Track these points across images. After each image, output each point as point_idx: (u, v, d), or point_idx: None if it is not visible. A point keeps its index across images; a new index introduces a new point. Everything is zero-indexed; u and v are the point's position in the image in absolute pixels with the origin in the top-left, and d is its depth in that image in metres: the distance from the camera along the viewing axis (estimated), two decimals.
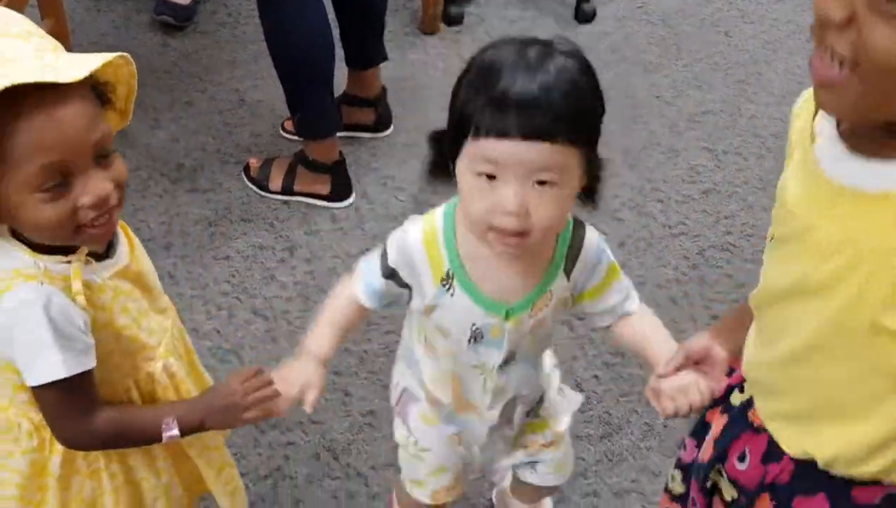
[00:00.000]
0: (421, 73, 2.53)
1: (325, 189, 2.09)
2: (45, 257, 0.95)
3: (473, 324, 1.07)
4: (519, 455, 1.29)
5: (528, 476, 1.33)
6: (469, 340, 1.09)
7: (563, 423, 1.27)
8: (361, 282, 1.13)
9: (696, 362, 1.02)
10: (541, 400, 1.24)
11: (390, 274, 1.09)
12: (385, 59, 2.22)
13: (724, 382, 1.01)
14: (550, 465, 1.30)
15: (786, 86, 2.49)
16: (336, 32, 2.02)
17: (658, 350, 1.08)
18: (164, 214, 2.06)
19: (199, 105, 2.40)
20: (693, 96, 2.45)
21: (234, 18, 2.71)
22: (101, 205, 0.91)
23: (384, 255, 1.10)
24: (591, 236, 1.09)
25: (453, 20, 2.70)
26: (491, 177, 0.93)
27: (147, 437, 1.04)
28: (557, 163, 0.93)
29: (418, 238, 1.06)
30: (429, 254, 1.06)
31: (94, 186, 0.90)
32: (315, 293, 1.92)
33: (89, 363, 0.98)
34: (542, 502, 1.50)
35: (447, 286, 1.05)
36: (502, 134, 0.91)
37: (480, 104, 0.92)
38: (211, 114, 2.37)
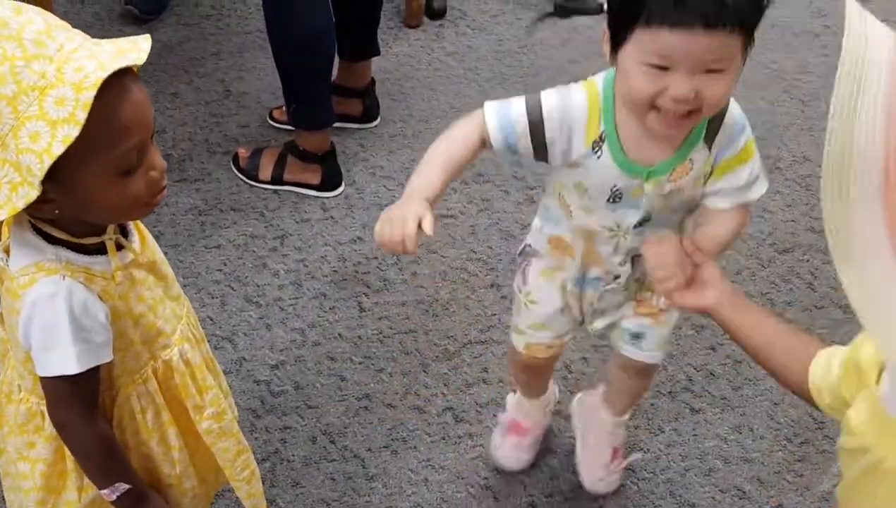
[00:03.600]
0: (405, 65, 2.56)
1: (315, 179, 2.11)
2: (66, 250, 0.95)
3: (614, 186, 1.12)
4: (629, 316, 1.31)
5: (634, 352, 1.35)
6: (608, 200, 1.14)
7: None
8: (496, 118, 1.11)
9: (693, 273, 1.03)
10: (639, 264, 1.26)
11: (537, 122, 1.10)
12: (378, 53, 2.25)
13: (684, 305, 1.04)
14: (654, 340, 1.34)
15: (759, 78, 2.54)
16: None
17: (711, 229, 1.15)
18: None
19: (185, 96, 2.41)
20: None
21: (218, 10, 2.72)
22: (164, 175, 0.96)
23: (537, 103, 1.10)
24: (734, 109, 1.12)
25: (436, 14, 2.74)
26: (661, 67, 0.96)
27: (116, 472, 1.04)
28: (729, 52, 0.96)
29: (583, 99, 1.10)
30: (589, 115, 1.09)
31: (157, 160, 0.95)
32: (307, 280, 1.94)
33: (105, 356, 0.99)
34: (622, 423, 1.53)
35: (596, 149, 1.10)
36: (681, 24, 0.93)
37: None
38: (197, 106, 2.38)
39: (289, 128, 2.21)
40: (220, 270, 1.96)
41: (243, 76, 2.49)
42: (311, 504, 1.56)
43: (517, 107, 1.12)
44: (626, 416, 1.56)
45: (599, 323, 1.35)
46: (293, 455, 1.63)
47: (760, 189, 1.17)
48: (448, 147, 1.14)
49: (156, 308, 1.05)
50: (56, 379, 0.97)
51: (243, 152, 2.18)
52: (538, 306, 1.32)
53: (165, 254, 1.97)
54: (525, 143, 1.13)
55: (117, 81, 0.86)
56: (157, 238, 1.97)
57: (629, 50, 1.00)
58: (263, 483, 1.54)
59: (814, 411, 1.72)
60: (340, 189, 2.14)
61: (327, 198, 2.13)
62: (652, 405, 1.73)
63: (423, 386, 1.75)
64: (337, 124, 2.25)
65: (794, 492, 1.61)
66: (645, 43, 0.97)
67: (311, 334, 1.83)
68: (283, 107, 2.22)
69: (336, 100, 2.23)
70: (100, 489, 1.04)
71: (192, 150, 2.24)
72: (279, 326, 1.85)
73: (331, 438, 1.66)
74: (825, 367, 0.92)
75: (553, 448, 1.65)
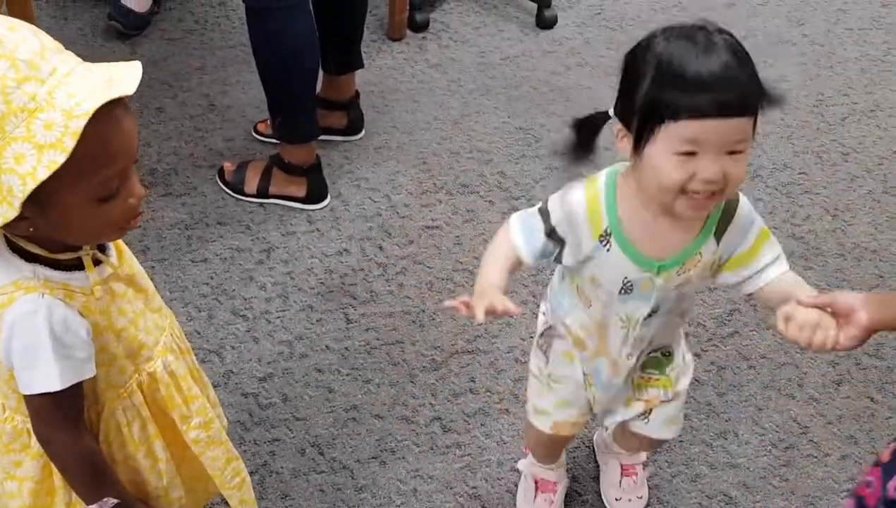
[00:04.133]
0: (389, 77, 2.58)
1: (300, 191, 2.12)
2: (43, 267, 0.96)
3: (625, 278, 1.18)
4: (637, 407, 1.37)
5: (641, 428, 1.40)
6: (620, 291, 1.19)
7: (683, 384, 1.37)
8: (521, 240, 1.20)
9: (836, 314, 1.05)
10: (671, 358, 1.33)
11: (550, 231, 1.19)
12: (361, 65, 2.27)
13: (852, 341, 1.03)
14: (663, 418, 1.38)
15: None
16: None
17: (802, 291, 1.15)
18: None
19: (169, 111, 2.41)
20: None
21: (202, 25, 2.73)
22: (141, 202, 0.97)
23: (546, 216, 1.19)
24: (744, 202, 1.18)
25: (419, 27, 2.76)
26: (690, 153, 1.04)
27: (103, 487, 1.05)
28: (746, 133, 1.05)
29: (581, 198, 1.17)
30: (590, 212, 1.17)
31: (137, 187, 0.96)
32: (294, 292, 1.95)
33: (88, 372, 1.00)
34: (639, 455, 1.57)
35: (604, 242, 1.17)
36: (702, 115, 1.02)
37: (675, 92, 1.02)
38: (182, 120, 2.39)
39: (274, 141, 2.22)
40: (207, 284, 1.96)
41: (227, 90, 2.49)
42: None
43: (534, 223, 1.20)
44: (644, 456, 1.59)
45: (609, 421, 1.43)
46: (282, 468, 1.63)
47: (784, 264, 1.21)
48: (501, 259, 1.22)
49: (137, 321, 1.05)
50: (39, 397, 0.98)
51: (229, 166, 2.19)
52: (562, 385, 1.36)
53: (152, 268, 1.99)
54: (550, 250, 1.21)
55: (107, 111, 0.87)
56: (143, 252, 2.00)
57: (659, 144, 1.06)
58: None
59: (798, 415, 1.75)
60: (326, 201, 2.15)
61: (313, 210, 2.14)
62: None
63: (410, 396, 1.76)
64: (322, 137, 2.27)
65: (780, 496, 1.62)
66: (674, 135, 1.04)
67: (298, 346, 1.84)
68: (268, 121, 2.23)
69: (321, 113, 2.25)
70: (87, 504, 1.05)
71: (178, 164, 2.25)
72: (266, 339, 1.85)
73: (319, 450, 1.66)
74: None
75: None
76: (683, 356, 1.37)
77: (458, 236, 2.11)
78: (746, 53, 1.06)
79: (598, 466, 1.65)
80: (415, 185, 2.23)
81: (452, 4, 2.89)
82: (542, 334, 1.36)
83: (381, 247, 2.06)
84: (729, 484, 1.64)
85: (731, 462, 1.67)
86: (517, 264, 1.21)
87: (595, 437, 1.66)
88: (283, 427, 1.70)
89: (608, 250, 1.17)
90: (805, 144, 2.44)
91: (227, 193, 2.17)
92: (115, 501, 1.03)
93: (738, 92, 1.03)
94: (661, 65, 1.04)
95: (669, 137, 1.04)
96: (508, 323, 1.90)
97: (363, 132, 2.36)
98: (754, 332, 1.91)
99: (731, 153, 1.05)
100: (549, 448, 1.51)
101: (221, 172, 2.19)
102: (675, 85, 1.02)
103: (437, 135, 2.39)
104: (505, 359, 1.84)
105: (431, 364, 1.82)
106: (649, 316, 1.22)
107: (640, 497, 1.58)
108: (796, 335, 1.06)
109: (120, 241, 1.08)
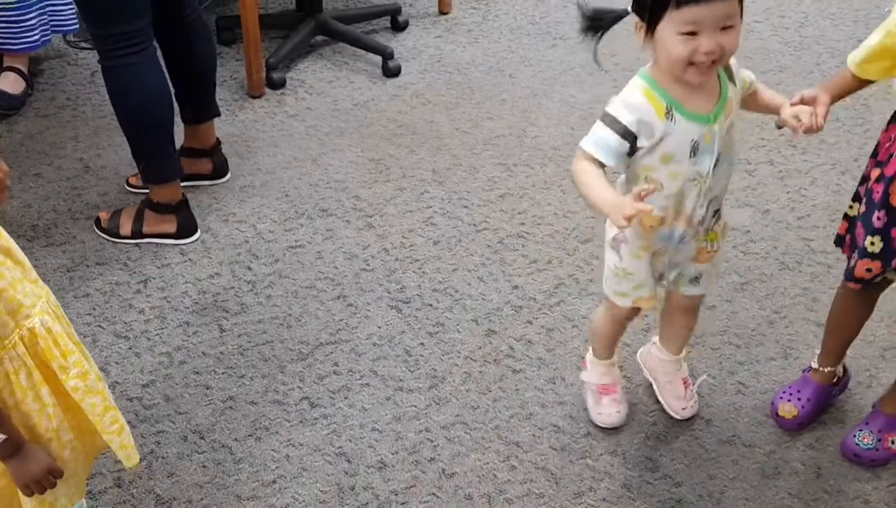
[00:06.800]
0: (251, 129, 2.85)
1: (172, 228, 2.35)
2: None
3: (693, 140, 1.49)
4: (691, 264, 1.71)
5: (693, 290, 1.76)
6: (690, 154, 1.51)
7: (722, 242, 1.71)
8: (604, 154, 1.48)
9: (807, 102, 1.55)
10: (718, 216, 1.66)
11: (623, 132, 1.47)
12: (218, 114, 2.53)
13: (823, 116, 1.53)
14: (709, 276, 1.75)
15: (561, 110, 2.95)
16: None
17: (777, 99, 1.61)
18: None
19: (47, 176, 2.62)
20: (486, 126, 2.87)
21: (73, 102, 2.96)
22: (7, 176, 1.21)
23: (615, 123, 1.47)
24: (731, 58, 1.52)
25: (276, 85, 3.05)
26: (691, 33, 1.36)
27: None
28: (734, 12, 1.37)
29: (639, 94, 1.48)
30: (650, 101, 1.47)
31: (1, 163, 1.19)
32: (171, 313, 2.16)
33: None
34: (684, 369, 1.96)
35: (670, 117, 1.48)
36: (695, 2, 1.34)
37: None
38: (59, 182, 2.60)
39: (145, 191, 2.45)
40: (90, 314, 2.16)
41: (101, 153, 2.72)
42: (186, 488, 1.76)
43: (602, 131, 1.49)
44: (683, 353, 1.92)
45: (671, 274, 1.73)
46: (167, 453, 1.83)
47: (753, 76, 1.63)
48: (596, 176, 1.49)
49: (16, 285, 1.25)
50: None
51: (104, 215, 2.41)
52: (633, 275, 1.68)
53: None
54: (623, 148, 1.49)
55: None
56: None
57: (665, 28, 1.39)
58: (140, 479, 1.75)
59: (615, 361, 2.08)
60: (197, 235, 2.39)
61: (185, 244, 2.37)
62: (480, 372, 2.01)
63: (280, 384, 1.99)
64: (190, 183, 2.51)
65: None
66: (677, 19, 1.37)
67: (177, 356, 2.05)
68: (138, 174, 2.46)
69: (187, 161, 2.50)
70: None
71: (57, 219, 2.45)
72: (147, 353, 2.06)
73: (200, 435, 1.87)
74: (858, 50, 1.57)
75: (401, 413, 1.91)
76: (723, 217, 1.70)
77: (319, 251, 2.36)
78: None
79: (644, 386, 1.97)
80: (278, 215, 2.49)
81: (307, 63, 3.20)
82: (613, 238, 1.66)
83: (249, 268, 2.30)
84: (558, 417, 1.91)
85: (559, 400, 1.95)
86: (604, 172, 1.49)
87: (640, 355, 1.99)
88: (167, 420, 1.89)
89: (674, 123, 1.48)
90: None
91: (104, 238, 2.38)
92: (4, 437, 1.23)
93: None
94: None
95: (674, 21, 1.37)
96: (366, 315, 2.16)
97: (228, 175, 2.62)
98: (577, 300, 2.21)
99: (724, 29, 1.37)
100: (620, 327, 1.83)
101: (98, 221, 2.41)
102: None
103: (298, 171, 2.66)
104: (364, 345, 2.09)
105: (299, 355, 2.05)
106: (714, 166, 1.53)
107: (695, 403, 1.93)
108: (805, 122, 1.51)
109: None
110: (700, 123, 1.50)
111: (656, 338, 1.95)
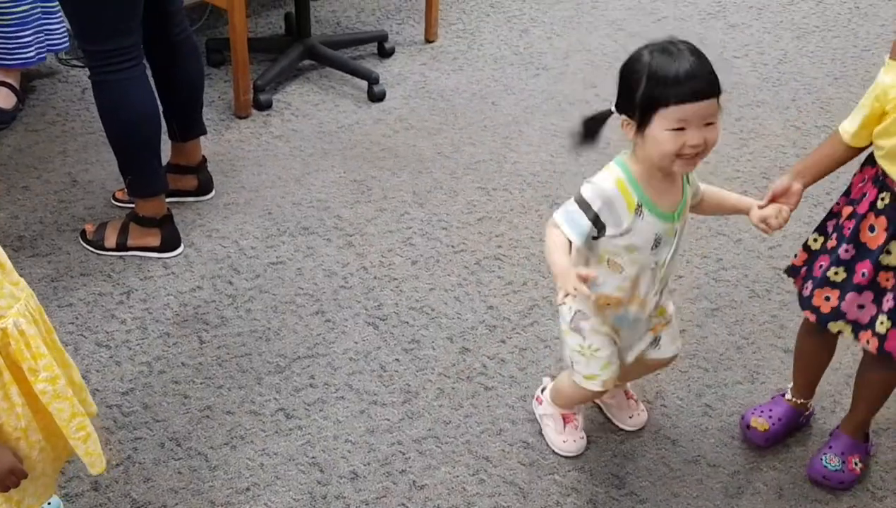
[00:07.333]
0: (237, 148, 2.91)
1: (155, 241, 2.40)
2: None
3: (656, 235, 1.60)
4: (647, 337, 1.78)
5: (654, 353, 1.82)
6: (652, 246, 1.61)
7: (671, 309, 1.81)
8: (572, 231, 1.56)
9: (778, 196, 1.67)
10: (663, 292, 1.74)
11: (594, 218, 1.57)
12: (204, 132, 2.59)
13: (795, 205, 1.67)
14: (668, 339, 1.82)
15: (541, 138, 3.02)
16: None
17: (737, 198, 1.75)
18: None
19: (35, 189, 2.67)
20: (467, 151, 2.94)
21: (63, 117, 3.01)
22: None
23: (586, 207, 1.56)
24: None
25: (263, 106, 3.11)
26: (679, 129, 1.48)
27: None
28: (715, 109, 1.49)
29: (612, 185, 1.57)
30: (623, 194, 1.57)
31: None
32: (152, 324, 2.20)
33: None
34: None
35: (639, 213, 1.57)
36: (684, 100, 1.46)
37: (665, 88, 1.46)
38: (46, 195, 2.64)
39: (131, 205, 2.50)
40: (73, 323, 2.20)
41: (88, 168, 2.77)
42: (161, 493, 1.79)
43: (574, 211, 1.57)
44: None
45: (630, 357, 1.79)
46: (144, 459, 1.86)
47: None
48: (561, 249, 1.57)
49: None
50: None
51: (90, 227, 2.45)
52: (601, 352, 1.73)
53: None
54: (592, 232, 1.58)
55: None
56: None
57: (656, 125, 1.49)
58: (117, 483, 1.79)
59: None
60: (180, 249, 2.43)
61: (168, 258, 2.41)
62: (453, 388, 2.06)
63: (257, 395, 2.03)
64: (175, 199, 2.56)
65: None
66: (668, 116, 1.48)
67: (156, 365, 2.09)
68: (124, 189, 2.51)
69: (173, 177, 2.55)
70: None
71: (43, 231, 2.50)
72: (128, 362, 2.09)
73: (177, 442, 1.90)
74: (849, 121, 1.64)
75: (375, 427, 1.95)
76: (669, 291, 1.80)
77: (299, 268, 2.41)
78: (704, 55, 1.50)
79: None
80: (261, 232, 2.54)
81: (294, 86, 3.26)
82: (571, 320, 1.72)
83: (230, 282, 2.35)
84: (527, 434, 1.96)
85: (529, 418, 2.00)
86: (569, 247, 1.58)
87: (601, 402, 2.03)
88: (145, 428, 1.93)
89: (642, 219, 1.58)
90: None
91: (89, 250, 2.42)
92: None
93: (706, 81, 1.47)
94: (650, 71, 1.48)
95: (663, 119, 1.48)
96: (343, 331, 2.21)
97: (213, 192, 2.67)
98: (550, 321, 2.27)
99: (707, 124, 1.49)
100: (587, 401, 1.91)
101: (83, 233, 2.45)
102: (664, 83, 1.46)
103: (281, 190, 2.71)
104: (341, 359, 2.13)
105: (276, 368, 2.10)
106: (671, 257, 1.64)
107: (642, 411, 2.01)
108: (772, 225, 1.65)
109: None
110: (665, 221, 1.60)
111: None
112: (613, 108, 1.57)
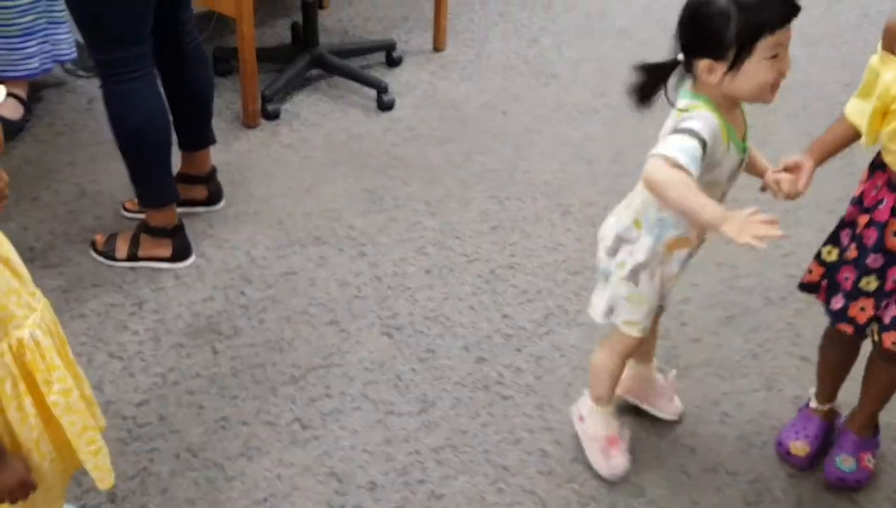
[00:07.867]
0: (245, 158, 2.90)
1: (167, 252, 2.39)
2: None
3: (732, 166, 1.61)
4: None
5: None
6: (729, 178, 1.63)
7: None
8: (688, 160, 1.47)
9: (790, 169, 1.66)
10: None
11: (704, 144, 1.50)
12: (214, 141, 2.58)
13: (806, 182, 1.65)
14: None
15: (552, 147, 3.01)
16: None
17: (763, 162, 1.73)
18: None
19: (44, 199, 2.65)
20: (479, 160, 2.93)
21: (70, 128, 3.00)
22: (6, 186, 1.28)
23: (698, 136, 1.49)
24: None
25: (271, 116, 3.11)
26: (773, 56, 1.47)
27: None
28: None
29: (713, 116, 1.53)
30: (721, 125, 1.54)
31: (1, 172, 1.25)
32: (165, 335, 2.19)
33: None
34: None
35: (728, 145, 1.57)
36: (782, 23, 1.46)
37: (765, 14, 1.45)
38: (56, 206, 2.63)
39: (141, 216, 2.48)
40: (85, 334, 2.18)
41: (97, 179, 2.76)
42: (178, 504, 1.78)
43: (685, 141, 1.50)
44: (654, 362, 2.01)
45: (668, 299, 1.80)
46: (160, 470, 1.84)
47: None
48: (685, 183, 1.48)
49: (10, 295, 1.27)
50: None
51: (100, 238, 2.44)
52: (650, 300, 1.73)
53: None
54: (701, 159, 1.52)
55: None
56: None
57: (756, 56, 1.47)
58: (134, 495, 1.77)
59: None
60: (191, 259, 2.42)
61: (179, 268, 2.40)
62: (470, 397, 2.05)
63: (272, 405, 2.01)
64: (185, 208, 2.55)
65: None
66: (766, 45, 1.46)
67: (170, 376, 2.07)
68: (134, 199, 2.50)
69: (182, 187, 2.54)
70: None
71: (54, 241, 2.48)
72: (142, 373, 2.08)
73: (193, 453, 1.88)
74: (853, 103, 1.65)
75: (394, 436, 1.94)
76: None
77: (312, 278, 2.40)
78: None
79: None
80: (272, 242, 2.53)
81: (302, 95, 3.26)
82: (630, 271, 1.69)
83: (243, 293, 2.34)
84: (545, 442, 1.94)
85: (546, 426, 1.98)
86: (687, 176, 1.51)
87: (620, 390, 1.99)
88: (160, 439, 1.91)
89: (730, 151, 1.57)
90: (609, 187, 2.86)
91: (100, 261, 2.41)
92: None
93: (791, 1, 1.47)
94: (739, 4, 1.45)
95: (764, 48, 1.46)
96: (358, 340, 2.19)
97: (223, 202, 2.65)
98: (565, 329, 2.25)
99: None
100: (622, 368, 1.86)
101: (94, 244, 2.44)
102: (760, 12, 1.45)
103: (292, 200, 2.70)
104: (356, 369, 2.12)
105: (291, 378, 2.08)
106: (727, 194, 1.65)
107: (676, 397, 2.02)
108: (784, 188, 1.64)
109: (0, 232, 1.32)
110: (741, 153, 1.62)
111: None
112: (681, 56, 1.53)
